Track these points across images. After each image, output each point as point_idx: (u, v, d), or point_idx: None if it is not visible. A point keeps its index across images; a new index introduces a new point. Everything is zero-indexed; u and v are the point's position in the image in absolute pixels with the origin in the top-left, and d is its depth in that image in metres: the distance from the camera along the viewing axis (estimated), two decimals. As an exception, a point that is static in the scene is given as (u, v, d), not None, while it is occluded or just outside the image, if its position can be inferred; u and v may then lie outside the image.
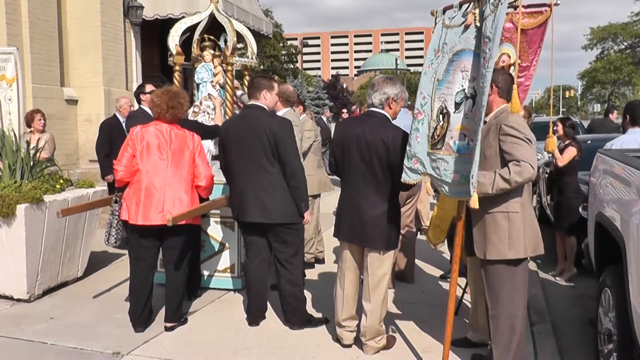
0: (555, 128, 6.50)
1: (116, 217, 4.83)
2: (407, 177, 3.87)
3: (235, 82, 6.42)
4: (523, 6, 3.59)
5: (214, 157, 5.64)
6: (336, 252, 6.50)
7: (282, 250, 4.67)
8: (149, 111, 5.77)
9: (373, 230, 4.06)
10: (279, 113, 5.37)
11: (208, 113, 5.97)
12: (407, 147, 3.86)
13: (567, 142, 6.53)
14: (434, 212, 5.17)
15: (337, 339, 4.39)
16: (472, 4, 3.54)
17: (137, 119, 5.36)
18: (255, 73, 7.52)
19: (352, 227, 4.16)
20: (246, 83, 6.35)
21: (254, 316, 4.81)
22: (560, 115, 20.67)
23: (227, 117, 5.91)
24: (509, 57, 4.01)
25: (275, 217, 4.57)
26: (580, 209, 6.39)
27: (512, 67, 4.39)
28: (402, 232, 5.87)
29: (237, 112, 6.19)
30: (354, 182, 4.16)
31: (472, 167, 3.33)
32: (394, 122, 4.23)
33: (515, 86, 3.84)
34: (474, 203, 3.37)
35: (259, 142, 4.54)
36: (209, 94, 6.08)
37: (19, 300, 5.30)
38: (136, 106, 7.13)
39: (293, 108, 6.02)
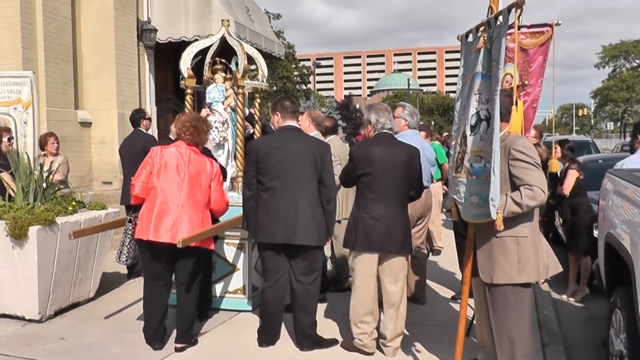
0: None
1: (129, 236, 4.89)
2: (444, 204, 4.17)
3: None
4: (525, 26, 3.62)
5: None
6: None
7: (304, 273, 4.65)
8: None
9: (403, 237, 4.46)
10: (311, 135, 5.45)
11: (217, 128, 5.99)
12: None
13: (566, 165, 6.52)
14: None
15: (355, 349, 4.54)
16: (483, 27, 3.60)
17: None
18: (266, 95, 7.58)
19: (384, 238, 4.38)
20: (257, 105, 6.39)
21: (268, 338, 4.79)
22: (565, 136, 20.58)
23: (239, 141, 5.95)
24: (512, 77, 4.03)
25: (312, 239, 4.58)
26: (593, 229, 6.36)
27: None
28: (414, 253, 5.87)
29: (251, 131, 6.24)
30: (387, 196, 4.42)
31: (492, 189, 3.33)
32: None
33: (521, 107, 3.86)
34: (499, 224, 3.37)
35: (307, 164, 4.57)
36: (211, 109, 6.08)
37: (30, 320, 5.34)
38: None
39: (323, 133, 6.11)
